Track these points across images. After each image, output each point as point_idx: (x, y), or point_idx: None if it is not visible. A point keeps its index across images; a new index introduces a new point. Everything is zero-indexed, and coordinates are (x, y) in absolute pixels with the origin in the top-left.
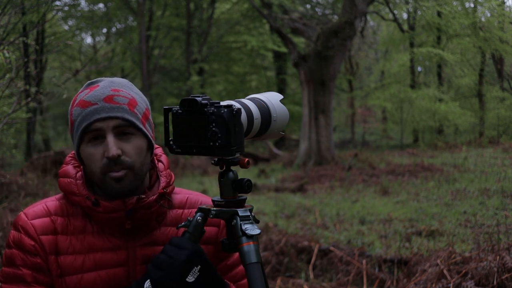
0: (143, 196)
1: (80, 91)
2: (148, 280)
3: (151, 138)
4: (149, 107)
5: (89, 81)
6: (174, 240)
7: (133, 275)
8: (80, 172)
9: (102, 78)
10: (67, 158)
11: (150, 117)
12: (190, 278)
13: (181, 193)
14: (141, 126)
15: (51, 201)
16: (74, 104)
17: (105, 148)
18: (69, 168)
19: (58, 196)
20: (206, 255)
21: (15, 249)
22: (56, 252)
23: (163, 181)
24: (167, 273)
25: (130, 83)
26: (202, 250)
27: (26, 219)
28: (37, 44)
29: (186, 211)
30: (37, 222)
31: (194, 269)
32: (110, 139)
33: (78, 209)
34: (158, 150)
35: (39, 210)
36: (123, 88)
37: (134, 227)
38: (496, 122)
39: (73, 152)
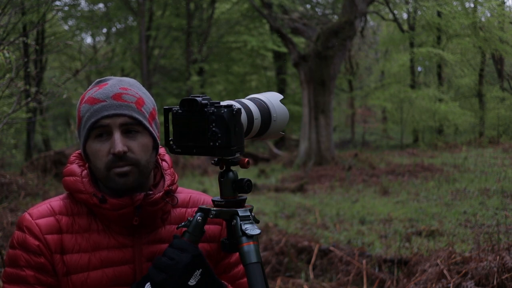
0: (150, 192)
1: (88, 88)
2: (149, 283)
3: (157, 137)
4: (156, 108)
5: (98, 79)
6: (175, 243)
7: (139, 272)
8: (85, 171)
9: (111, 77)
10: (72, 158)
11: (157, 117)
12: (192, 282)
13: (183, 192)
14: (147, 124)
15: (55, 201)
16: (83, 101)
17: (111, 144)
18: (74, 167)
19: (62, 196)
20: (205, 258)
21: (19, 249)
22: (62, 251)
23: (168, 179)
24: (169, 276)
25: (138, 83)
26: (203, 253)
27: (31, 219)
28: (37, 44)
29: (189, 209)
30: (41, 221)
31: (196, 272)
32: (117, 135)
33: (83, 208)
34: (161, 150)
35: (44, 210)
36: (132, 87)
37: (140, 224)
38: (496, 122)
39: (77, 151)
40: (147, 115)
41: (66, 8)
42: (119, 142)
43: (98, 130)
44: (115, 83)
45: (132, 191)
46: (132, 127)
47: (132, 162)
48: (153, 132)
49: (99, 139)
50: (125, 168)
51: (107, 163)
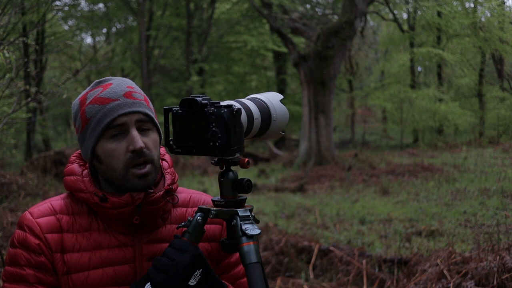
0: (151, 191)
1: (88, 90)
2: (149, 284)
3: (162, 134)
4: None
5: (97, 80)
6: (175, 243)
7: (140, 272)
8: (86, 170)
9: (111, 77)
10: (72, 158)
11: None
12: (192, 282)
13: (184, 192)
14: (157, 121)
15: (56, 200)
16: (87, 103)
17: (129, 142)
18: (75, 167)
19: (62, 195)
20: (205, 258)
21: (20, 248)
22: (62, 250)
23: (168, 178)
24: (169, 276)
25: (134, 82)
26: (203, 253)
27: (32, 218)
28: (37, 44)
29: (189, 209)
30: (42, 220)
31: (196, 273)
32: (135, 132)
33: (83, 207)
34: (161, 150)
35: (44, 209)
36: (134, 86)
37: (141, 224)
38: (496, 122)
39: (77, 152)
40: (154, 112)
41: (66, 8)
42: (138, 139)
43: (114, 129)
44: (120, 83)
45: (145, 190)
46: (145, 124)
47: (148, 159)
48: (160, 129)
49: (114, 139)
50: (145, 169)
51: (126, 161)
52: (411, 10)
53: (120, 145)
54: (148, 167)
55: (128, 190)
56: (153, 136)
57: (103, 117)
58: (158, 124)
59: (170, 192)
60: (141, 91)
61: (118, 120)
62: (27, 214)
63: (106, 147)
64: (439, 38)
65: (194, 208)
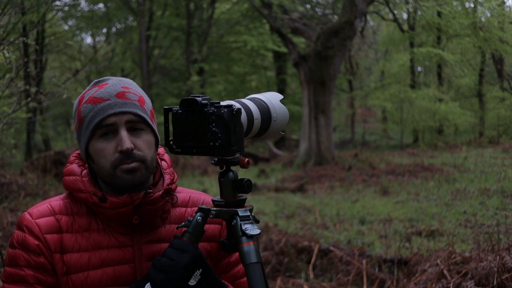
0: (150, 190)
1: (87, 89)
2: (149, 284)
3: (158, 135)
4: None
5: (96, 80)
6: (175, 243)
7: (139, 272)
8: (85, 170)
9: (109, 77)
10: (71, 158)
11: (154, 116)
12: (192, 282)
13: (183, 192)
14: (150, 122)
15: (55, 201)
16: (83, 102)
17: (117, 142)
18: (74, 167)
19: (62, 195)
20: (205, 258)
21: (19, 249)
22: (62, 251)
23: (167, 178)
24: (169, 276)
25: (135, 83)
26: (203, 253)
27: (31, 218)
28: (37, 44)
29: (189, 209)
30: (41, 221)
31: (196, 273)
32: (124, 133)
33: (83, 208)
34: (161, 150)
35: (44, 210)
36: (131, 86)
37: (140, 224)
38: (496, 122)
39: (77, 152)
40: (149, 113)
41: (66, 8)
42: (126, 139)
43: (104, 129)
44: (115, 83)
45: (138, 188)
46: (137, 125)
47: (138, 159)
48: (156, 129)
49: (104, 138)
50: (133, 164)
51: (114, 161)
52: (411, 10)
53: (109, 144)
54: (135, 164)
55: (118, 188)
56: (146, 137)
57: (94, 117)
58: (153, 125)
59: (169, 192)
60: (139, 92)
61: (107, 120)
62: (26, 214)
63: (96, 146)
64: (439, 38)
65: (193, 208)
